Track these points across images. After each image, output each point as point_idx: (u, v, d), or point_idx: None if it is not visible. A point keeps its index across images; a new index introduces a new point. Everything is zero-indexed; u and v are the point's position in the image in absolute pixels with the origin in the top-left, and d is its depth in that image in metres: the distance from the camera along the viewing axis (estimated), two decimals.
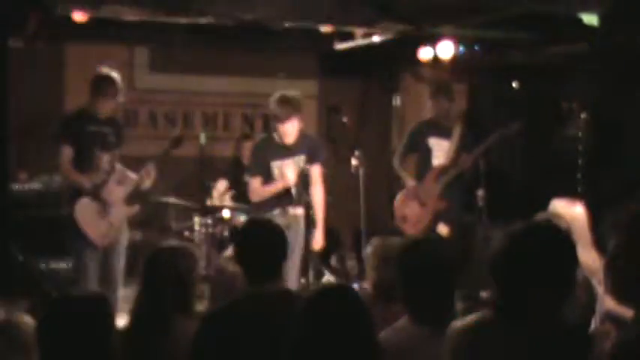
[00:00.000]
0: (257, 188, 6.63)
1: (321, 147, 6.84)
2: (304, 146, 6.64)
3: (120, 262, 6.36)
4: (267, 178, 6.61)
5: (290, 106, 6.44)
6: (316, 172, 6.66)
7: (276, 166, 6.59)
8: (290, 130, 6.48)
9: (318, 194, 6.70)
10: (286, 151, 6.59)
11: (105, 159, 6.35)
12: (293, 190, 6.51)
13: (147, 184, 6.53)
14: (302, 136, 6.65)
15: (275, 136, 6.61)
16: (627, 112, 7.93)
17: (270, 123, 7.17)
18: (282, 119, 6.42)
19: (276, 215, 6.37)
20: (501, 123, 7.32)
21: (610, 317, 4.51)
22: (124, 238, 6.46)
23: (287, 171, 6.52)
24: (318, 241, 6.70)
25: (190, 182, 8.47)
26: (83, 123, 6.29)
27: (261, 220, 4.05)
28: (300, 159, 6.61)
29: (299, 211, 6.56)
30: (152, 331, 3.60)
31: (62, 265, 7.50)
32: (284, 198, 6.56)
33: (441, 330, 3.36)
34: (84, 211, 6.24)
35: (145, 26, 7.79)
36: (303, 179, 6.56)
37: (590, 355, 3.08)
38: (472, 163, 7.17)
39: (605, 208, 5.04)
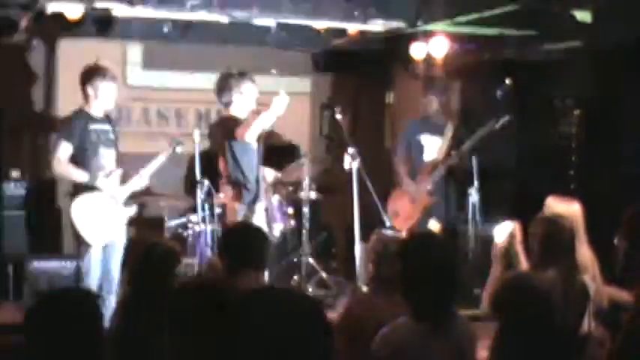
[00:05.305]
0: None
1: None
2: None
3: (117, 260, 6.35)
4: None
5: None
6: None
7: None
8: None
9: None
10: None
11: (110, 158, 6.35)
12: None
13: (140, 187, 6.54)
14: None
15: None
16: (621, 108, 7.95)
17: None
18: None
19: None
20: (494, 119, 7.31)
21: (612, 305, 4.53)
22: (123, 236, 6.45)
23: None
24: None
25: (184, 179, 8.46)
26: (85, 122, 6.28)
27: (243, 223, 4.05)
28: None
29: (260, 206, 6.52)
30: (143, 332, 3.57)
31: (55, 264, 7.47)
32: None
33: (442, 327, 3.37)
34: (80, 210, 6.22)
35: (137, 23, 7.77)
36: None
37: (581, 357, 3.11)
38: (461, 158, 7.16)
39: (598, 205, 5.06)
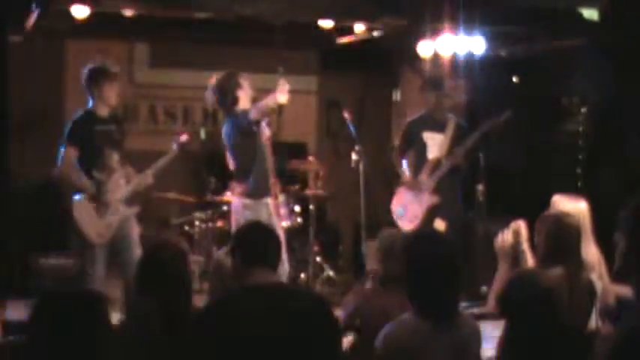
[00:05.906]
0: None
1: None
2: None
3: (133, 257, 6.32)
4: None
5: None
6: None
7: None
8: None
9: None
10: None
11: (115, 158, 6.35)
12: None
13: (144, 186, 6.55)
14: None
15: None
16: (627, 106, 7.95)
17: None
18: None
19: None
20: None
21: (619, 303, 4.52)
22: (134, 233, 6.43)
23: None
24: None
25: (190, 177, 8.48)
26: (91, 123, 6.29)
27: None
28: None
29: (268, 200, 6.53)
30: (148, 333, 3.57)
31: (61, 261, 7.48)
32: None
33: (446, 324, 3.37)
34: (82, 209, 6.23)
35: (144, 21, 7.79)
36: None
37: (589, 355, 3.11)
38: (464, 155, 7.14)
39: (604, 203, 5.05)
